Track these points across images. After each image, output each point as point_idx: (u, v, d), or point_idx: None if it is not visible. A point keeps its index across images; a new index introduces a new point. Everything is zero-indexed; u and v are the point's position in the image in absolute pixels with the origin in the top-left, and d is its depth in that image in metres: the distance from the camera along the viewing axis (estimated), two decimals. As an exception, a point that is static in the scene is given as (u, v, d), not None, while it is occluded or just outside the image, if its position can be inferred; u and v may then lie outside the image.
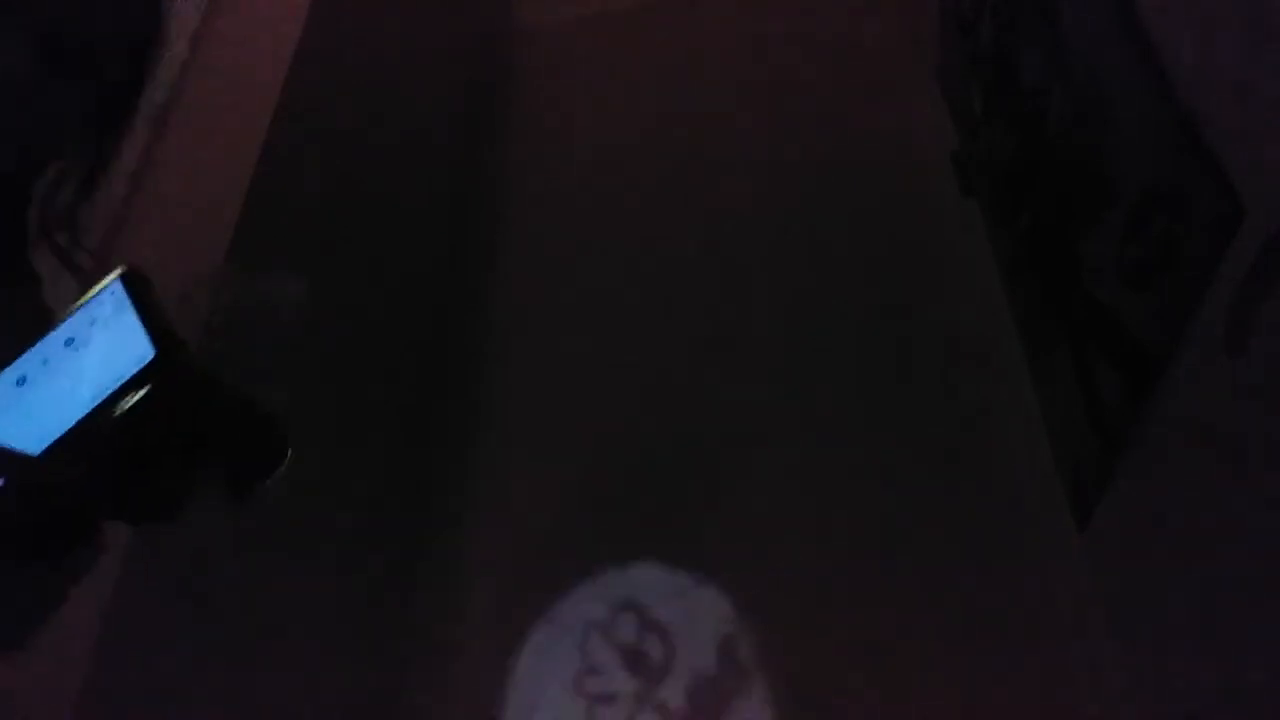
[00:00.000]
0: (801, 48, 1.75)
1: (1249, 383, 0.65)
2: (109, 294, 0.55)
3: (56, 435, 0.52)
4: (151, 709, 0.83)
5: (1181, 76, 0.69)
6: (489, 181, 1.79)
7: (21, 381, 0.54)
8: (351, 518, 1.22)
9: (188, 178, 1.01)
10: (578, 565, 1.29)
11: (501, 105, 1.91)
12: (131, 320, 0.54)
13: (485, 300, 1.64)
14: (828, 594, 1.20)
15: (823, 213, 1.55)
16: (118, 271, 0.56)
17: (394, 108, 1.52)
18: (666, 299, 1.54)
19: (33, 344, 0.55)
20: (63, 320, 0.55)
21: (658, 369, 1.46)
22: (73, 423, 0.52)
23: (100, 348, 0.54)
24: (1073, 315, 0.95)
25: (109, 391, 0.52)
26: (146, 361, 0.52)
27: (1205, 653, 0.80)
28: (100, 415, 0.52)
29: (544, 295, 1.63)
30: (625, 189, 1.69)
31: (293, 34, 1.18)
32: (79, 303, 0.55)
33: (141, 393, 0.52)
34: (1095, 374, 0.90)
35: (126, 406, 0.52)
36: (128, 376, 0.52)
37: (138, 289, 0.55)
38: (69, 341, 0.54)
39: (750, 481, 1.33)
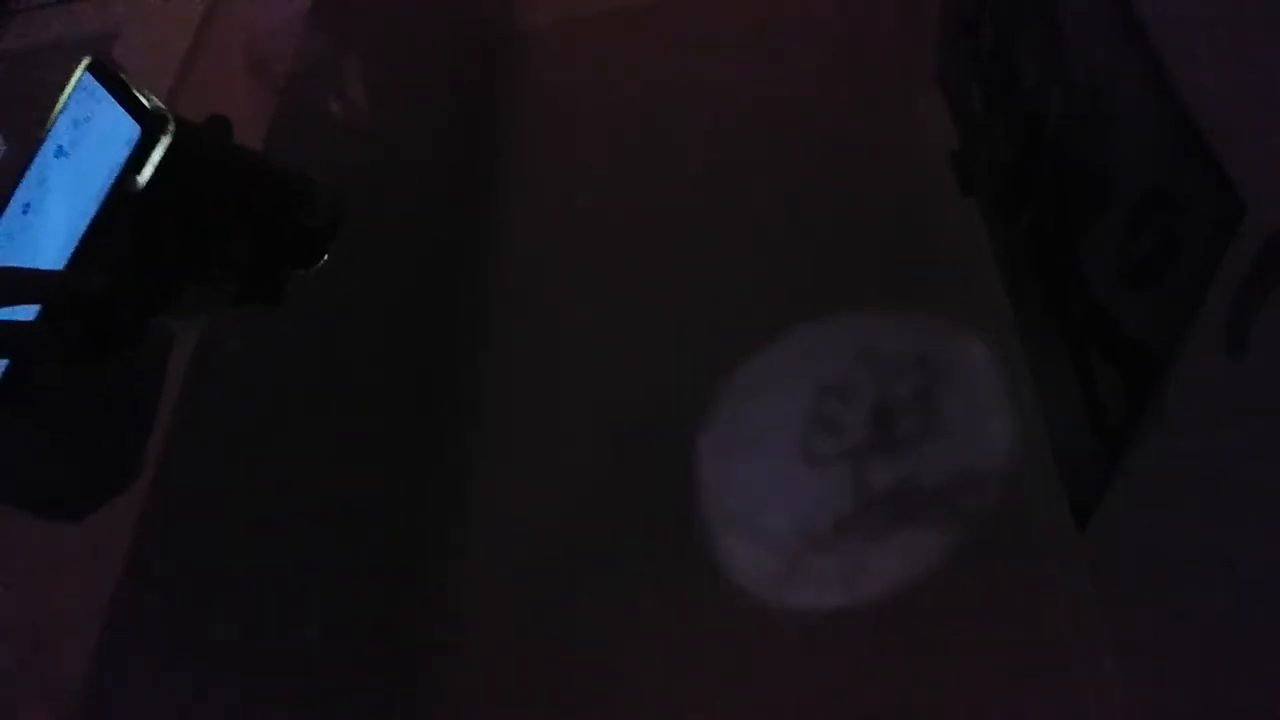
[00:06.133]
0: (802, 47, 1.75)
1: (1249, 383, 0.65)
2: (82, 92, 0.50)
3: (71, 246, 0.47)
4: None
5: (1181, 76, 0.69)
6: (488, 181, 1.79)
7: (27, 209, 0.50)
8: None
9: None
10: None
11: (501, 105, 1.91)
12: (112, 109, 0.48)
13: (483, 299, 1.64)
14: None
15: (822, 212, 1.55)
16: (83, 64, 0.50)
17: (393, 108, 1.52)
18: (665, 297, 1.54)
19: (26, 169, 0.50)
20: (46, 135, 0.50)
21: (656, 369, 1.46)
22: (84, 226, 0.47)
23: (90, 147, 0.49)
24: (1073, 315, 0.95)
25: (109, 184, 0.47)
26: (136, 140, 0.47)
27: (1206, 654, 0.80)
28: (110, 211, 0.47)
29: (543, 295, 1.63)
30: (624, 188, 1.69)
31: (293, 35, 1.19)
32: (55, 111, 0.51)
33: (148, 170, 0.47)
34: (1095, 374, 0.90)
35: (133, 190, 0.47)
36: (122, 162, 0.47)
37: (108, 75, 0.50)
38: (59, 152, 0.50)
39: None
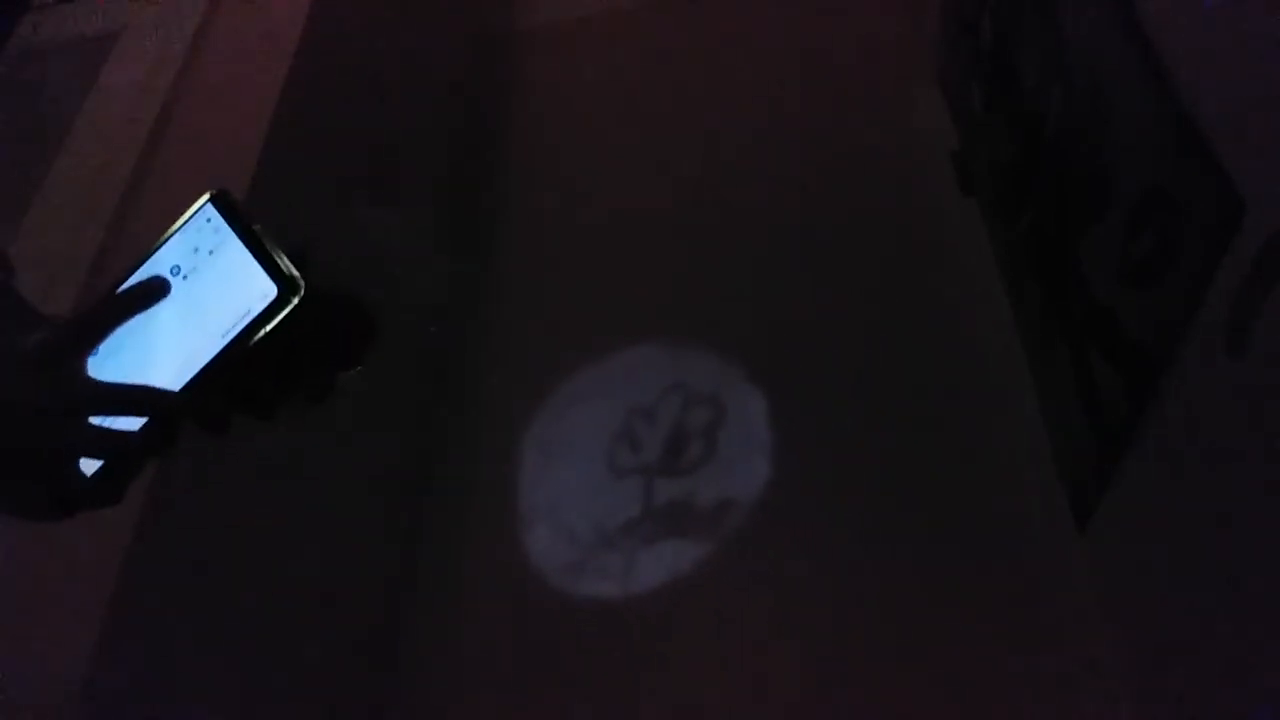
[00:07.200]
0: (802, 47, 1.75)
1: (1249, 383, 0.65)
2: (203, 219, 0.54)
3: (190, 372, 0.52)
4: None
5: (1181, 76, 0.69)
6: (487, 182, 1.79)
7: None
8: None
9: (186, 183, 1.01)
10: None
11: (501, 105, 1.91)
12: (240, 251, 0.53)
13: (482, 300, 1.64)
14: (825, 591, 1.20)
15: (822, 212, 1.54)
16: (206, 196, 0.54)
17: (393, 108, 1.52)
18: (665, 298, 1.54)
19: (133, 272, 0.54)
20: (158, 248, 0.54)
21: (654, 369, 1.46)
22: (207, 360, 0.52)
23: (214, 278, 0.53)
24: (1073, 315, 0.95)
25: (240, 329, 0.52)
26: (271, 299, 0.52)
27: (1206, 653, 0.80)
28: (233, 350, 0.52)
29: (541, 296, 1.62)
30: (624, 187, 1.69)
31: (292, 34, 1.19)
32: (172, 229, 0.54)
33: (272, 325, 0.52)
34: (1095, 374, 0.90)
35: (258, 338, 0.52)
36: (255, 314, 0.52)
37: (235, 214, 0.54)
38: (175, 271, 0.53)
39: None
